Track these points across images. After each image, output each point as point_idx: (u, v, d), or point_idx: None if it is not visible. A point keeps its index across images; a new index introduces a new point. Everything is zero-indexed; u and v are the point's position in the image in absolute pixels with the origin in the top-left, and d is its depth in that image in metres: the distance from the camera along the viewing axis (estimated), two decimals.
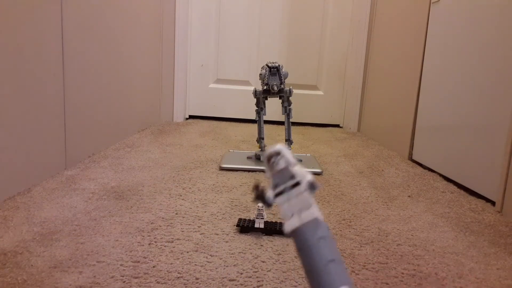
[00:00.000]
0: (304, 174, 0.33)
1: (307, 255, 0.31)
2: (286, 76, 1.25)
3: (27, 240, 0.68)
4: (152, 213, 0.83)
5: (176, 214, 0.84)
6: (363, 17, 2.06)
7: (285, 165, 0.34)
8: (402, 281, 0.62)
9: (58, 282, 0.56)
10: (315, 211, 0.32)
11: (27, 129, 0.92)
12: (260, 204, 0.76)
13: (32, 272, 0.58)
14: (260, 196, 0.34)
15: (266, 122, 2.19)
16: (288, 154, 0.35)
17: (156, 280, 0.58)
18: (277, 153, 0.34)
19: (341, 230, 0.80)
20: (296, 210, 0.33)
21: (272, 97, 1.28)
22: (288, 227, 0.33)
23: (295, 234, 0.32)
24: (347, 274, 0.31)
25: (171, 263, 0.63)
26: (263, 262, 0.66)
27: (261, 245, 0.72)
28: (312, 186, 0.33)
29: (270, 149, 0.35)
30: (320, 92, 2.22)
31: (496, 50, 1.03)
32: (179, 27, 2.01)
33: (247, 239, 0.74)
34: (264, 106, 1.30)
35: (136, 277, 0.59)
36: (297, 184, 0.33)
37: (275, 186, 0.34)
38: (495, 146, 1.00)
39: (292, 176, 0.33)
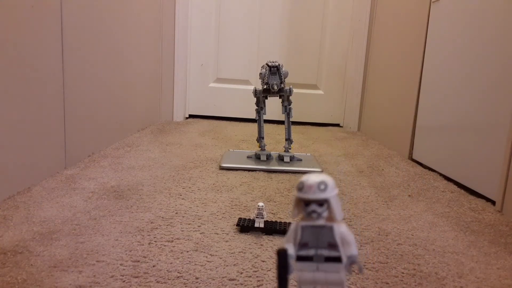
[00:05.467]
0: (350, 241, 0.22)
1: None
2: (286, 75, 1.25)
3: (26, 240, 0.68)
4: (152, 213, 0.83)
5: (176, 213, 0.83)
6: (363, 16, 2.06)
7: (325, 215, 0.22)
8: (402, 280, 0.62)
9: (57, 281, 0.56)
10: None
11: (27, 128, 0.92)
12: (261, 204, 0.76)
13: (31, 271, 0.58)
14: (282, 260, 0.23)
15: (266, 121, 2.19)
16: (335, 197, 0.22)
17: (156, 280, 0.58)
18: (322, 185, 0.22)
19: None
20: None
21: (272, 96, 1.27)
22: None
23: None
24: None
25: (171, 263, 0.63)
26: (263, 261, 0.66)
27: (261, 245, 0.71)
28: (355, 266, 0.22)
29: (310, 176, 0.23)
30: (320, 92, 2.22)
31: (496, 49, 1.03)
32: (179, 26, 2.00)
33: (247, 239, 0.73)
34: (264, 106, 1.29)
35: (136, 277, 0.59)
36: (336, 259, 0.22)
37: (302, 245, 0.22)
38: (495, 146, 1.00)
39: (333, 243, 0.21)
